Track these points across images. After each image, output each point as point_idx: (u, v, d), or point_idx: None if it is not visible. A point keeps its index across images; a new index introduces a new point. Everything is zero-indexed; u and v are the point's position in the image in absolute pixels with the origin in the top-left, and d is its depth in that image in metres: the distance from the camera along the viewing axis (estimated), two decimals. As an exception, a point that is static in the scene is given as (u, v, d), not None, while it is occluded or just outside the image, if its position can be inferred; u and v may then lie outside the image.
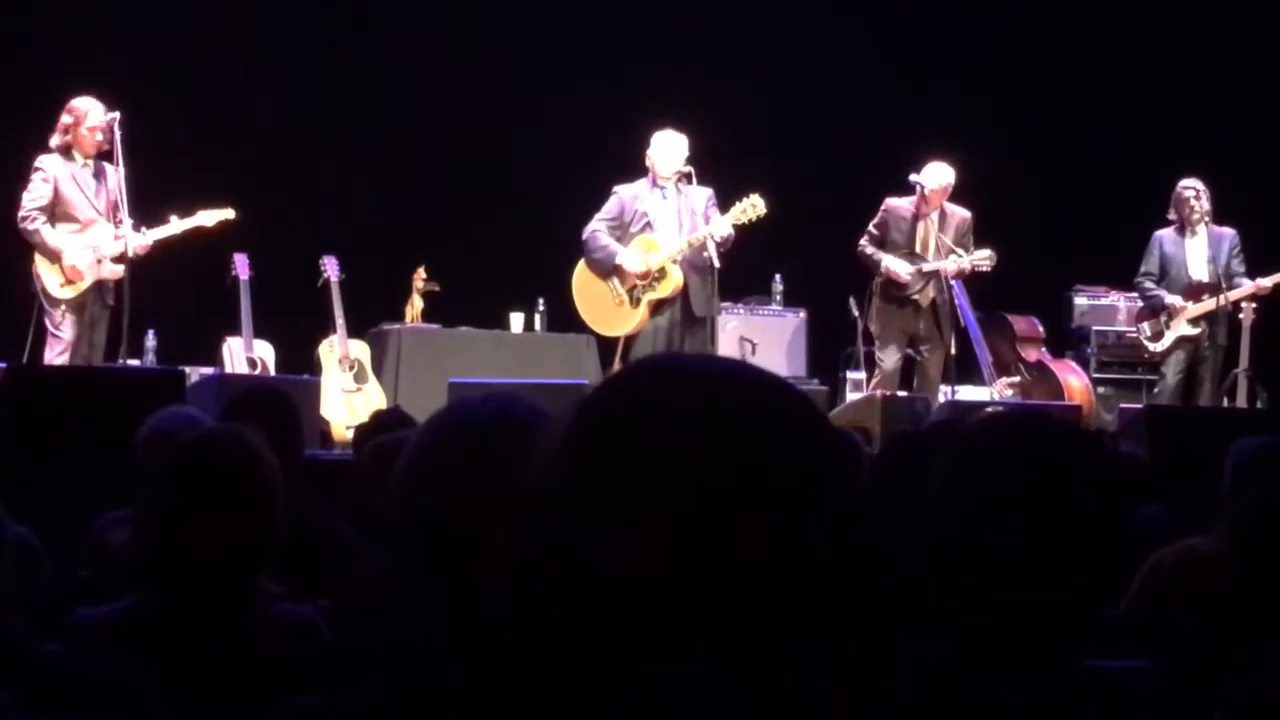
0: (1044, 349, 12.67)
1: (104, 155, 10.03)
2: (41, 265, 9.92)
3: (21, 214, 9.92)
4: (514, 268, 12.44)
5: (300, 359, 11.21)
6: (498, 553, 1.23)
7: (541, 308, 12.11)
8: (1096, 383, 12.50)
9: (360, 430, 6.57)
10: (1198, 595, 4.16)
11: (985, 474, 2.20)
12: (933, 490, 2.23)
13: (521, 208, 13.11)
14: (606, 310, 10.83)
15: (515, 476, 1.25)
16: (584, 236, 10.79)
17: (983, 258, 11.01)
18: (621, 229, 10.74)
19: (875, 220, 11.24)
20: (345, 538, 4.78)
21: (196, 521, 3.20)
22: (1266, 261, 11.46)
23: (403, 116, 13.23)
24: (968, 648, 2.16)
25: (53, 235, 9.90)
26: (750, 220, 10.51)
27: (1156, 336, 11.68)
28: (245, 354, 10.90)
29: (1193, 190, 11.51)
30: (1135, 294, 12.04)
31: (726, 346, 11.43)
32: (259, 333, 10.98)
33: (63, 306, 9.88)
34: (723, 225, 10.48)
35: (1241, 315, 11.42)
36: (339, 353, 10.97)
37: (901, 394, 10.75)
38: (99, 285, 9.97)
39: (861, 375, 11.55)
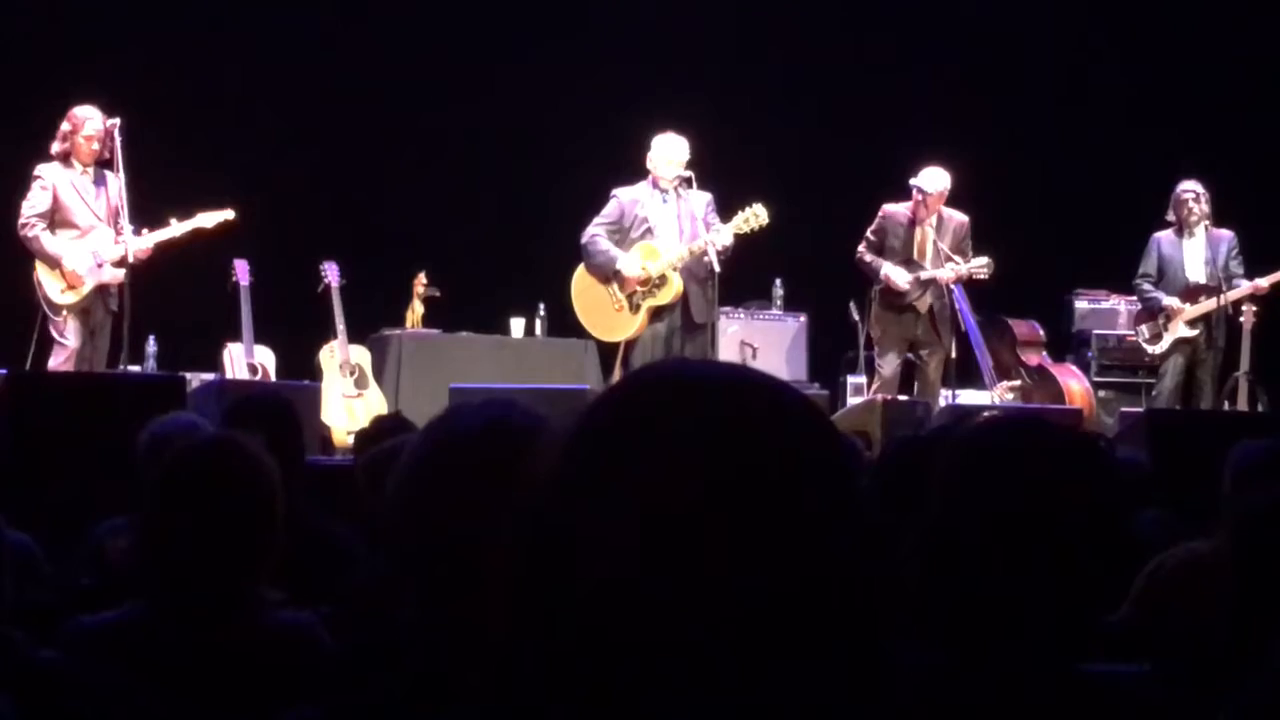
0: (1045, 353, 12.68)
1: (104, 162, 10.04)
2: (42, 272, 9.93)
3: (20, 221, 9.93)
4: (514, 273, 12.44)
5: (301, 364, 11.21)
6: (496, 558, 1.23)
7: (542, 313, 12.11)
8: (1097, 386, 12.51)
9: (361, 435, 6.57)
10: (1198, 599, 4.15)
11: (984, 478, 2.20)
12: (932, 494, 2.23)
13: (522, 212, 13.13)
14: (606, 315, 10.82)
15: (513, 481, 1.25)
16: (583, 241, 10.78)
17: (980, 265, 11.00)
18: (621, 233, 10.73)
19: (873, 227, 11.23)
20: (346, 544, 4.78)
21: (196, 528, 3.19)
22: (1266, 263, 11.45)
23: (403, 121, 13.23)
24: (966, 651, 2.16)
25: (52, 241, 9.90)
26: (752, 230, 10.51)
27: (1155, 338, 11.68)
28: (246, 360, 10.90)
29: (1191, 193, 11.52)
30: (1135, 297, 12.04)
31: (727, 351, 11.43)
32: (260, 338, 10.99)
33: (65, 313, 9.89)
34: (724, 234, 10.47)
35: (1242, 318, 11.42)
36: (340, 358, 10.97)
37: (902, 398, 10.75)
38: (101, 290, 9.97)
39: (862, 379, 11.56)
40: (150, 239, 10.05)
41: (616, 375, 10.55)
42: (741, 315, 12.35)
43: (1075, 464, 2.21)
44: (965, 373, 11.46)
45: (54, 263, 9.88)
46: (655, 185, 10.72)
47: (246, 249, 10.92)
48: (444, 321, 11.85)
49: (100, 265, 9.92)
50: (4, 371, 8.50)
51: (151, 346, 11.62)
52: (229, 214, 10.35)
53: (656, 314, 10.68)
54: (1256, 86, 13.42)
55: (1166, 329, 11.59)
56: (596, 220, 10.78)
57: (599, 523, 1.16)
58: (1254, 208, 11.85)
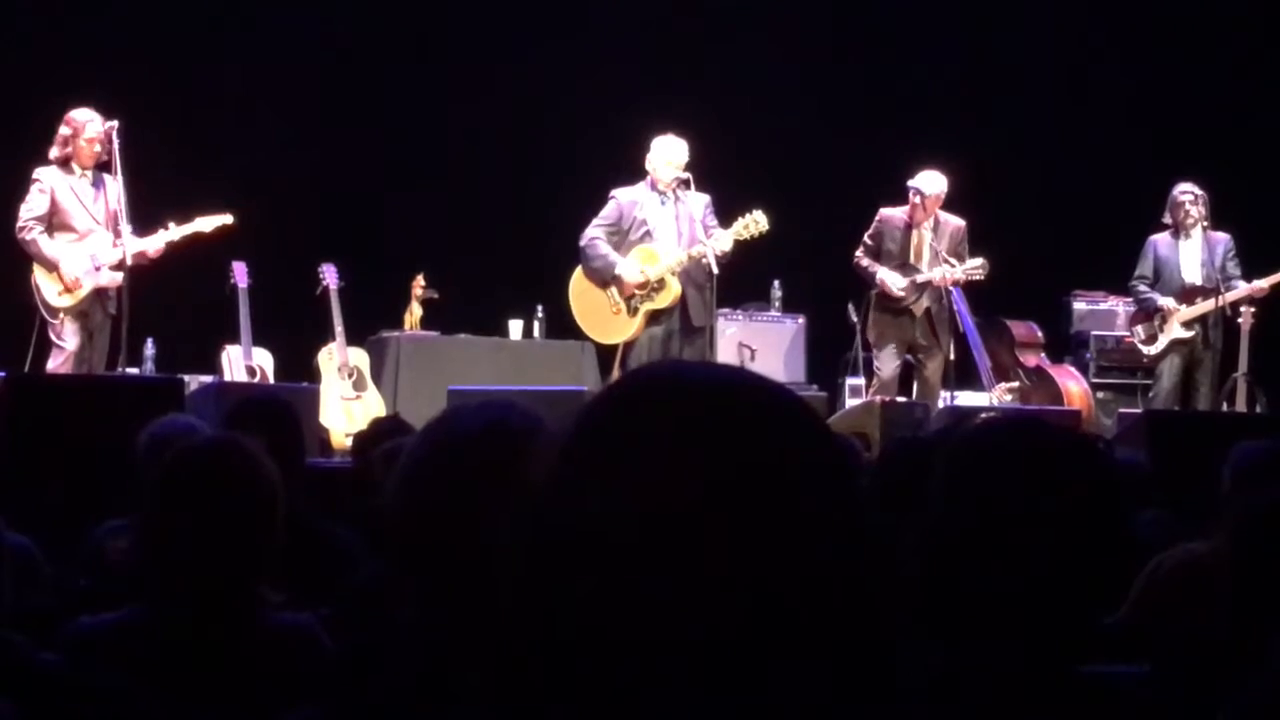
0: (1043, 354, 12.68)
1: (102, 165, 10.04)
2: (40, 275, 9.92)
3: (18, 225, 9.93)
4: (513, 275, 12.43)
5: (299, 367, 11.20)
6: (496, 559, 1.23)
7: (540, 315, 12.10)
8: (1095, 388, 12.51)
9: (359, 438, 6.57)
10: (1197, 600, 4.16)
11: (981, 479, 2.20)
12: (931, 496, 2.23)
13: (520, 214, 13.12)
14: (604, 318, 10.82)
15: (511, 483, 1.25)
16: (582, 244, 10.78)
17: (975, 267, 10.99)
18: (620, 235, 10.72)
19: (870, 231, 11.23)
20: (345, 545, 4.78)
21: (195, 530, 3.19)
22: (1263, 265, 11.45)
23: (401, 123, 13.23)
24: (965, 653, 2.16)
25: (50, 245, 9.90)
26: (752, 236, 10.51)
27: (1150, 340, 11.68)
28: (244, 362, 10.90)
29: (1189, 195, 11.51)
30: (1131, 298, 12.04)
31: (725, 353, 11.42)
32: (258, 341, 10.98)
33: (62, 316, 9.88)
34: (723, 240, 10.47)
35: (1240, 319, 11.42)
36: (338, 360, 10.97)
37: (901, 399, 10.75)
38: (99, 293, 9.96)
39: (860, 381, 11.56)
40: (153, 241, 10.04)
41: (614, 377, 10.54)
42: (740, 317, 12.34)
43: (1074, 465, 2.21)
44: (964, 374, 11.46)
45: (52, 266, 9.88)
46: (654, 187, 10.71)
47: (245, 251, 10.91)
48: (442, 323, 11.85)
49: (98, 268, 9.91)
50: (3, 374, 8.50)
51: (150, 349, 11.61)
52: (227, 219, 10.34)
53: (654, 317, 10.68)
54: (1255, 88, 13.42)
55: (1162, 330, 11.59)
56: (595, 222, 10.78)
57: (598, 523, 1.16)
58: (1252, 209, 11.85)
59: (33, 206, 9.94)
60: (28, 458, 6.99)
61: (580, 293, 10.88)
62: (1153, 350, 11.66)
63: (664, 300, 10.62)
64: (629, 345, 10.77)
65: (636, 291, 10.64)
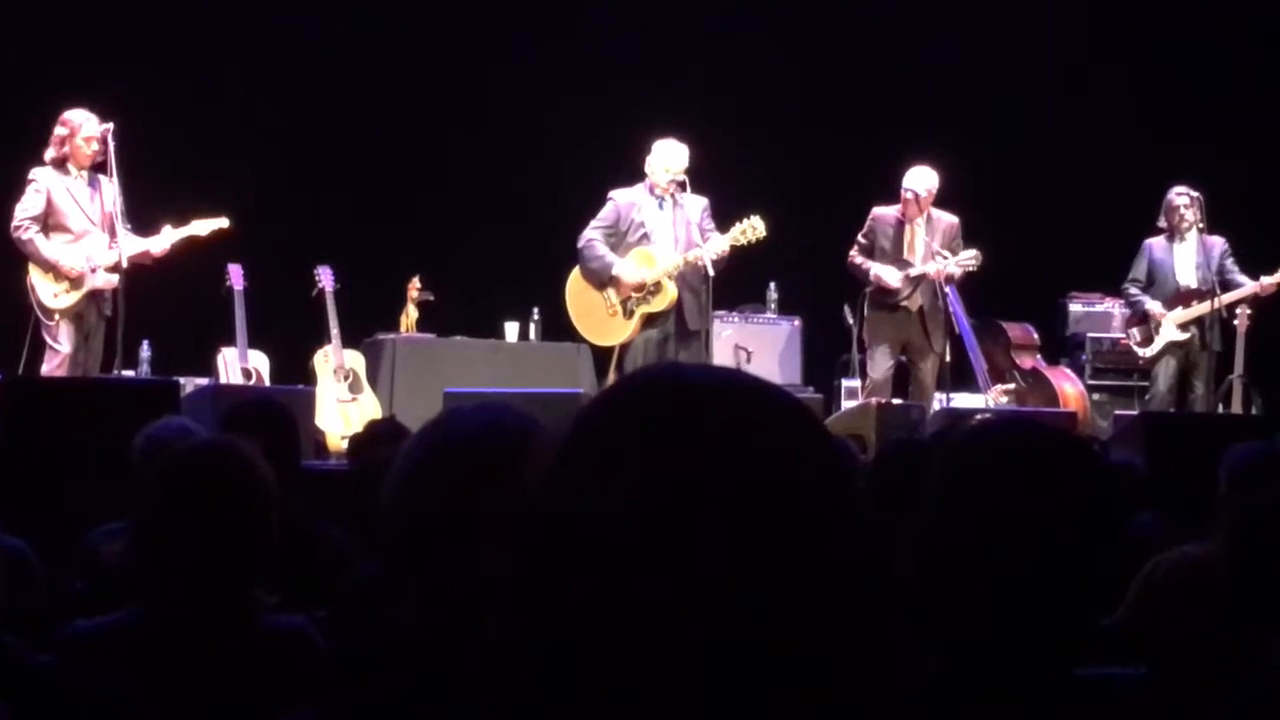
0: (1039, 356, 12.69)
1: (98, 167, 10.03)
2: (35, 276, 9.91)
3: (13, 225, 9.91)
4: (508, 277, 12.43)
5: (295, 369, 11.20)
6: (490, 561, 1.23)
7: (536, 317, 12.10)
8: (1091, 389, 12.52)
9: (355, 440, 6.57)
10: (1194, 602, 4.16)
11: (977, 481, 2.20)
12: (927, 498, 2.23)
13: (516, 216, 13.12)
14: (599, 319, 10.82)
15: (507, 485, 1.25)
16: (579, 245, 10.79)
17: (968, 258, 11.00)
18: (618, 237, 10.73)
19: (863, 230, 11.25)
20: (340, 548, 4.78)
21: (191, 533, 3.19)
22: (1264, 266, 11.46)
23: (398, 125, 13.23)
24: (961, 656, 2.16)
25: (46, 245, 9.89)
26: (749, 242, 10.52)
27: (1146, 342, 11.69)
28: (240, 364, 10.89)
29: (1184, 197, 11.53)
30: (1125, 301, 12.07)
31: (721, 355, 11.43)
32: (254, 343, 10.98)
33: (57, 317, 9.88)
34: (720, 244, 10.48)
35: (1236, 321, 11.43)
36: (334, 363, 10.97)
37: (896, 401, 10.74)
38: (94, 295, 9.96)
39: (856, 383, 11.56)
40: (157, 241, 10.04)
41: (610, 380, 10.54)
42: (736, 319, 12.35)
43: (1069, 467, 2.21)
44: (960, 376, 11.47)
45: (49, 266, 9.87)
46: (652, 190, 10.72)
47: (240, 253, 10.91)
48: (438, 326, 11.85)
49: (93, 270, 9.91)
50: (-1, 376, 8.51)
51: (145, 351, 11.60)
52: (223, 222, 10.34)
53: (650, 320, 10.68)
54: (1251, 90, 13.43)
55: (1157, 332, 11.60)
56: (593, 224, 10.79)
57: (597, 523, 1.16)
58: (1248, 211, 11.86)
59: (28, 207, 9.93)
60: (22, 460, 6.98)
61: (577, 294, 10.89)
62: (1148, 353, 11.67)
63: (660, 303, 10.63)
64: (624, 348, 10.78)
65: (633, 294, 10.65)
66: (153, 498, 3.27)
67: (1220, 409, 11.35)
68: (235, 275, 10.88)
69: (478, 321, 11.99)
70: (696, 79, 13.19)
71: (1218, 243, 11.56)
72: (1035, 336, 12.77)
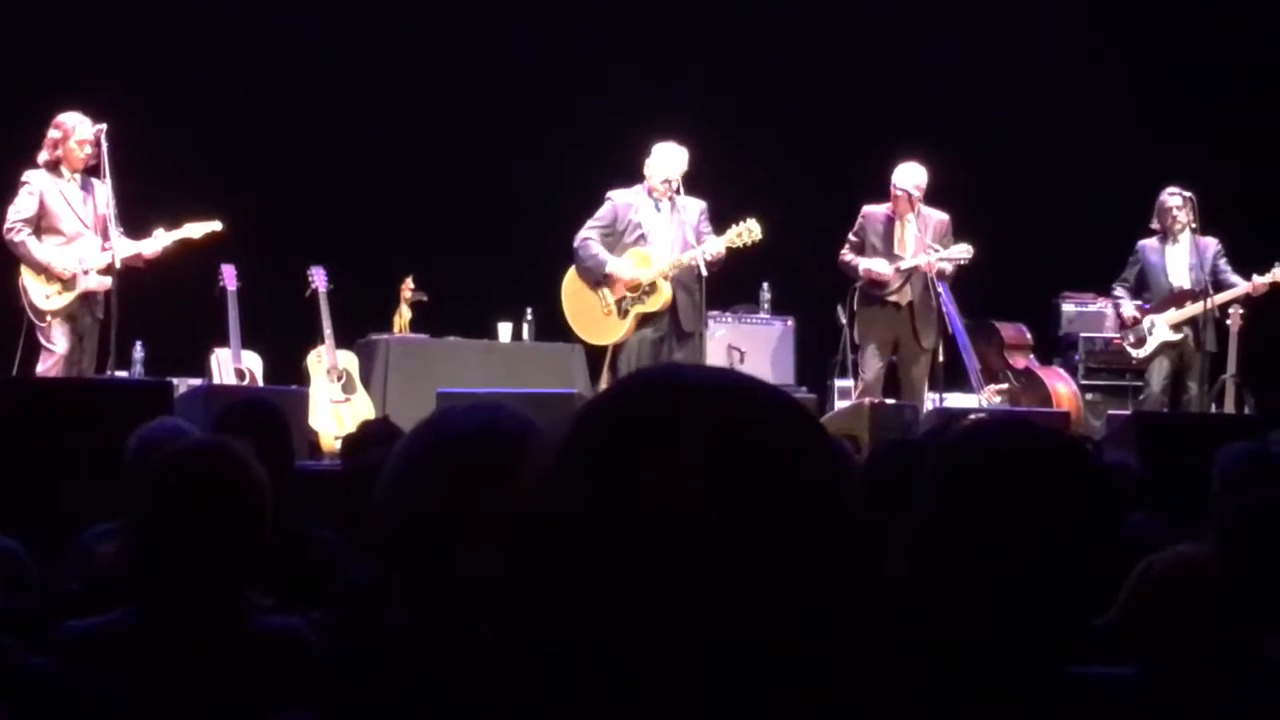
0: (1032, 356, 12.70)
1: (91, 169, 10.02)
2: (27, 277, 9.90)
3: (5, 226, 9.90)
4: (502, 277, 12.43)
5: (288, 370, 11.19)
6: (485, 562, 1.23)
7: (529, 317, 12.11)
8: (1084, 389, 12.52)
9: (348, 441, 6.56)
10: (1187, 602, 4.16)
11: (970, 481, 2.20)
12: (919, 498, 2.23)
13: (509, 217, 13.11)
14: (594, 319, 10.83)
15: (500, 486, 1.25)
16: (575, 244, 10.80)
17: (959, 252, 10.99)
18: (614, 237, 10.74)
19: (854, 228, 11.26)
20: (332, 548, 4.78)
21: (184, 533, 3.19)
22: (1253, 268, 11.47)
23: (391, 126, 13.23)
24: (955, 655, 2.16)
25: (39, 247, 9.88)
26: (745, 244, 10.54)
27: (1139, 342, 11.70)
28: (233, 365, 10.89)
29: (1177, 198, 11.54)
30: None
31: (714, 355, 11.43)
32: (247, 343, 10.97)
33: (50, 318, 9.86)
34: (716, 245, 10.50)
35: (1229, 321, 11.44)
36: (327, 363, 10.96)
37: (890, 401, 10.74)
38: (87, 297, 9.95)
39: (849, 383, 11.56)
40: (149, 243, 10.03)
41: (604, 380, 10.56)
42: (729, 319, 12.36)
43: (1062, 467, 2.21)
44: (952, 376, 11.47)
45: (41, 268, 9.86)
46: (650, 193, 10.73)
47: (234, 254, 10.90)
48: (431, 326, 11.85)
49: (86, 273, 9.90)
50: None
51: (139, 352, 11.59)
52: (216, 226, 10.32)
53: (645, 320, 10.69)
54: (1246, 90, 13.43)
55: (1150, 333, 11.61)
56: (589, 223, 10.80)
57: (594, 524, 1.16)
58: (1242, 212, 11.86)
59: (20, 209, 9.92)
60: (16, 461, 6.97)
61: (572, 293, 10.90)
62: (1141, 353, 11.68)
63: (655, 304, 10.64)
64: (619, 348, 10.79)
65: (628, 293, 10.65)
66: (146, 498, 3.27)
67: (1213, 409, 11.35)
68: (228, 276, 10.87)
69: (471, 322, 12.00)
70: (691, 79, 13.19)
71: (1211, 243, 11.57)
72: (1028, 336, 12.78)
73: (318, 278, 11.15)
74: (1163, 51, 13.57)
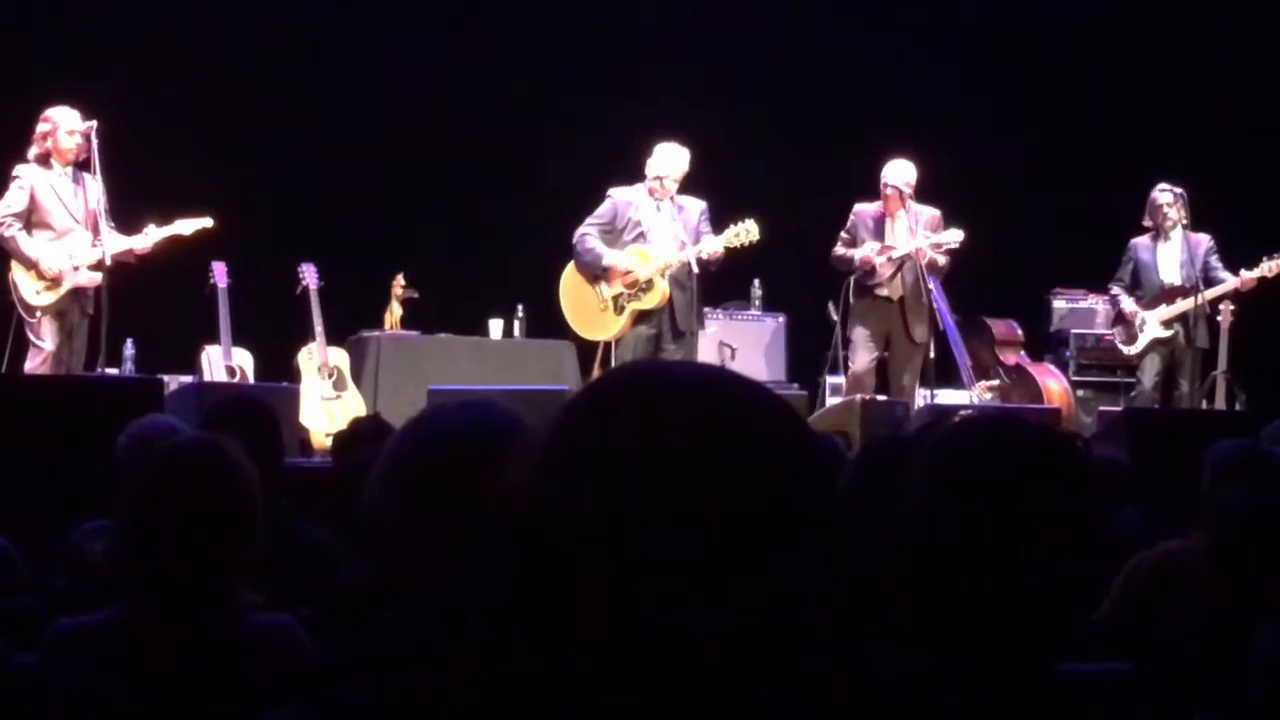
0: (1023, 352, 12.70)
1: (82, 165, 10.00)
2: (17, 273, 9.87)
3: (-4, 221, 9.89)
4: (493, 274, 12.43)
5: (279, 367, 11.19)
6: (473, 560, 1.23)
7: (520, 314, 12.11)
8: (1075, 386, 12.53)
9: (339, 438, 6.56)
10: (1177, 598, 4.16)
11: (961, 477, 2.20)
12: (910, 495, 2.23)
13: (500, 214, 13.11)
14: (590, 314, 10.84)
15: (491, 483, 1.25)
16: (574, 239, 10.81)
17: (951, 236, 10.97)
18: (614, 234, 10.75)
19: (845, 226, 11.26)
20: (324, 546, 4.77)
21: (174, 531, 3.19)
22: (1240, 264, 11.47)
23: (382, 123, 13.21)
24: (945, 652, 2.16)
25: (28, 242, 9.86)
26: (742, 245, 10.56)
27: (1130, 339, 11.71)
28: (224, 362, 10.88)
29: (1168, 195, 11.54)
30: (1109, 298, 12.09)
31: (706, 352, 11.43)
32: (238, 341, 10.96)
33: (39, 314, 9.84)
34: (714, 244, 10.51)
35: (1220, 317, 11.45)
36: (318, 360, 10.96)
37: (881, 398, 10.74)
38: (77, 293, 9.93)
39: (841, 379, 11.55)
40: (140, 239, 10.02)
41: (595, 376, 10.55)
42: (720, 316, 12.36)
43: (1053, 463, 2.21)
44: (944, 372, 11.47)
45: (30, 264, 9.84)
46: (651, 193, 10.75)
47: (224, 251, 10.89)
48: (422, 323, 11.85)
49: (76, 269, 9.88)
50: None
51: (129, 349, 11.59)
52: (207, 222, 10.31)
53: (640, 318, 10.70)
54: (1233, 87, 13.44)
55: (1142, 330, 11.62)
56: (589, 220, 10.83)
57: (580, 523, 1.16)
58: (1229, 209, 11.87)
59: (11, 203, 9.89)
60: (5, 458, 6.96)
61: (570, 288, 10.92)
62: (1133, 350, 11.69)
63: (650, 301, 10.65)
64: (614, 345, 10.81)
65: (624, 290, 10.66)
66: (137, 496, 3.26)
67: (1204, 405, 11.36)
68: (219, 273, 10.87)
69: (462, 319, 11.99)
70: (679, 77, 13.18)
71: (1203, 240, 11.57)
72: (1019, 333, 12.78)
73: (308, 275, 11.14)
74: (1152, 47, 13.58)
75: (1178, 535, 4.62)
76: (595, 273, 10.74)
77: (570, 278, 10.92)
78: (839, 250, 11.21)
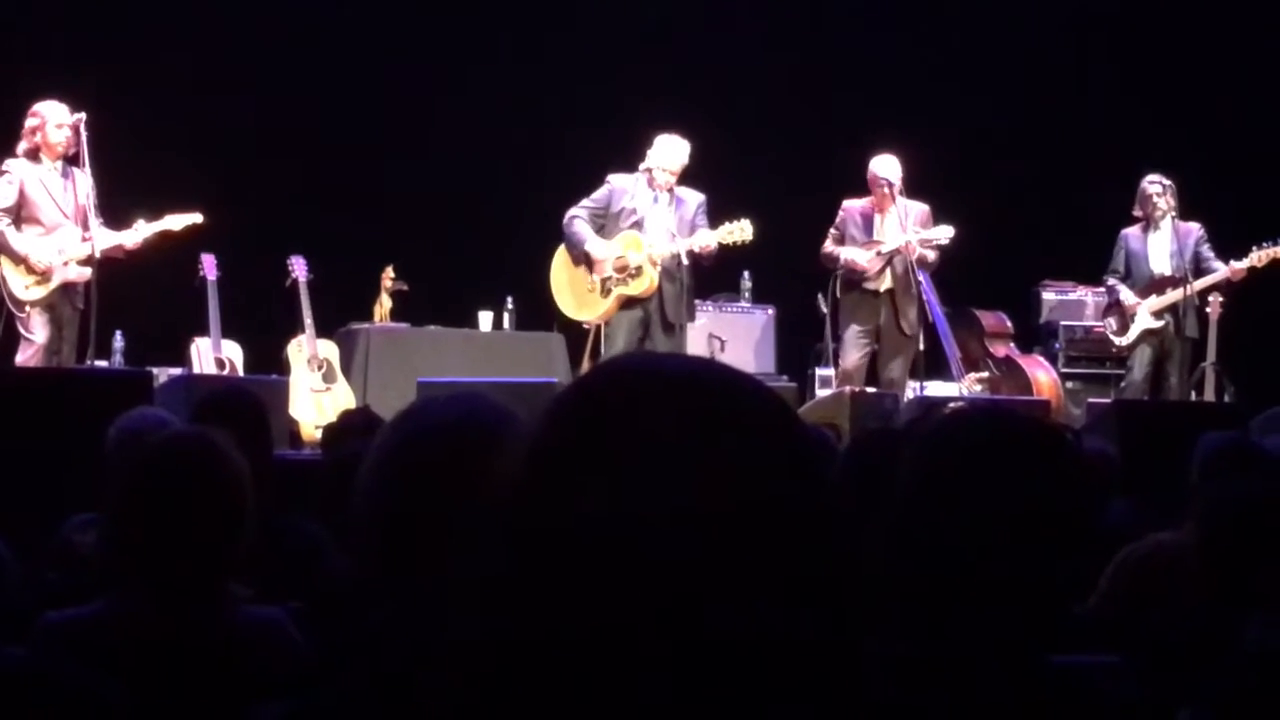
0: (1012, 344, 12.72)
1: (71, 159, 9.98)
2: (6, 268, 9.85)
3: (-16, 215, 9.87)
4: (482, 267, 12.43)
5: (269, 359, 11.19)
6: (464, 553, 1.23)
7: (510, 306, 12.11)
8: (1065, 377, 12.55)
9: (329, 430, 6.56)
10: (1167, 589, 4.17)
11: (950, 469, 2.20)
12: (899, 486, 2.24)
13: (490, 207, 13.11)
14: (579, 294, 10.82)
15: (481, 476, 1.25)
16: (564, 220, 10.81)
17: (940, 233, 10.97)
18: (608, 219, 10.75)
19: (835, 222, 11.26)
20: (313, 539, 4.77)
21: (164, 524, 3.18)
22: (1231, 255, 11.49)
23: (372, 117, 13.20)
24: (935, 644, 2.16)
25: (17, 238, 9.84)
26: (736, 243, 10.57)
27: (1121, 330, 11.72)
28: (213, 354, 10.87)
29: (1157, 186, 11.55)
30: (1103, 289, 12.08)
31: (695, 344, 11.44)
32: (227, 333, 10.95)
33: (28, 308, 9.83)
34: (707, 237, 10.52)
35: (1209, 309, 11.46)
36: (307, 352, 10.95)
37: (871, 390, 10.74)
38: (67, 287, 9.91)
39: (830, 372, 11.55)
40: (129, 235, 10.00)
41: (585, 368, 10.55)
42: (710, 308, 12.36)
43: (1042, 455, 2.21)
44: (933, 364, 11.47)
45: (19, 259, 9.82)
46: (650, 183, 10.74)
47: (214, 244, 10.88)
48: (412, 316, 11.85)
49: (65, 264, 9.86)
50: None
51: (119, 342, 11.58)
52: (197, 217, 10.28)
53: (626, 303, 10.68)
54: (1223, 78, 13.46)
55: (1132, 320, 11.63)
56: (583, 201, 10.82)
57: (567, 520, 1.16)
58: (1219, 199, 11.88)
59: (0, 198, 9.87)
60: (-5, 451, 6.95)
61: (559, 268, 10.92)
62: (1124, 341, 11.70)
63: (638, 288, 10.63)
64: (600, 336, 10.80)
65: (614, 273, 10.64)
66: (126, 488, 3.26)
67: (1193, 396, 11.37)
68: (209, 265, 10.85)
69: (452, 311, 11.99)
70: (669, 72, 13.18)
71: (1193, 229, 11.58)
72: (1009, 325, 12.80)
73: (298, 267, 11.14)
74: (1142, 40, 13.58)
75: (1167, 527, 4.63)
76: (577, 256, 10.74)
77: (560, 258, 10.92)
78: (827, 248, 11.21)
